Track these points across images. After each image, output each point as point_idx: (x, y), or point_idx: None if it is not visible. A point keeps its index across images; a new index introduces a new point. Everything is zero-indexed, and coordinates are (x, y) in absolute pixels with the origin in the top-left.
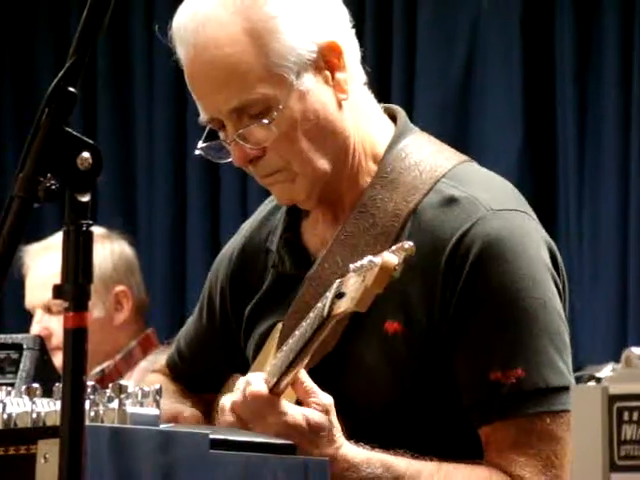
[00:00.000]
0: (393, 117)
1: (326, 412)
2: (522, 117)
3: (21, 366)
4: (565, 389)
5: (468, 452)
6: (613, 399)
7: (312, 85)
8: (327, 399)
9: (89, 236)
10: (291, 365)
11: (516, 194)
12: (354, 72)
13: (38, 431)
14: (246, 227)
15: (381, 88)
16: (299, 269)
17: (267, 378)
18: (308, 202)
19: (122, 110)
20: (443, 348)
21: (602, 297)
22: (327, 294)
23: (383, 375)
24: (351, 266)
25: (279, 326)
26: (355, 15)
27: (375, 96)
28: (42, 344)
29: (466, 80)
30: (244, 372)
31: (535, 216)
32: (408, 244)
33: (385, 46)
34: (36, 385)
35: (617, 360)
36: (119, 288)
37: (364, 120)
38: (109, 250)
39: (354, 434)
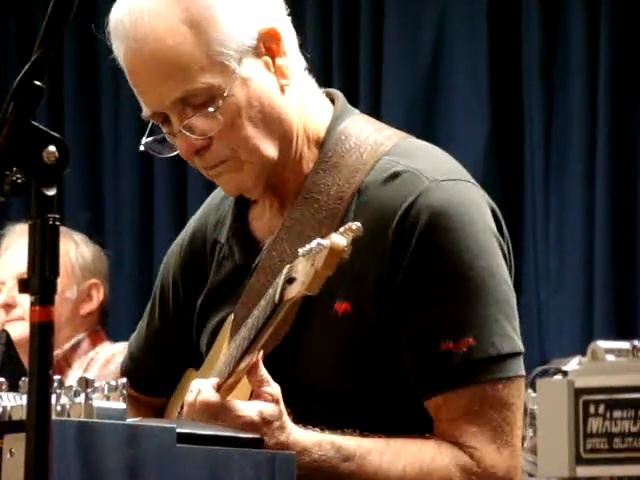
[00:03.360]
0: (333, 101)
1: (277, 402)
2: (489, 111)
3: None
4: (516, 355)
5: (420, 428)
6: (579, 392)
7: (254, 71)
8: (277, 388)
9: (55, 230)
10: (245, 353)
11: (457, 164)
12: (294, 58)
13: (4, 426)
14: (194, 220)
15: (348, 82)
16: (248, 258)
17: (217, 381)
18: (255, 190)
19: (88, 103)
20: (393, 323)
21: (568, 291)
22: (277, 280)
23: (335, 356)
24: (300, 250)
25: (230, 318)
26: (322, 11)
27: (342, 91)
28: (8, 338)
29: (433, 74)
30: (199, 367)
31: (477, 184)
32: (355, 224)
33: (352, 41)
34: (1, 380)
35: (583, 354)
36: (94, 280)
37: (305, 105)
38: (92, 249)
39: (308, 417)
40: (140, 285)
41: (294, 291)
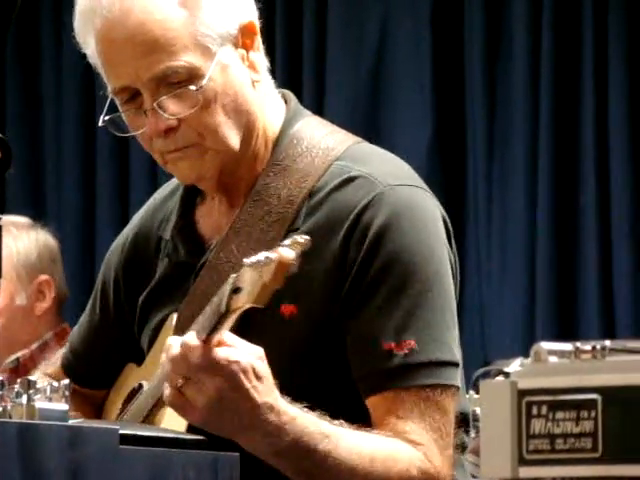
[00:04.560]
0: (285, 102)
1: (263, 360)
2: (432, 112)
3: None
4: (454, 365)
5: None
6: (522, 394)
7: (232, 60)
8: (259, 348)
9: None
10: (209, 336)
11: (411, 170)
12: (263, 53)
13: None
14: (137, 217)
15: (292, 84)
16: (193, 257)
17: (200, 335)
18: (210, 181)
19: (30, 102)
20: (341, 323)
21: (510, 292)
22: (223, 288)
23: (282, 359)
24: (246, 261)
25: (174, 316)
26: (266, 10)
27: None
28: None
29: (376, 75)
30: (140, 363)
31: (430, 191)
32: (303, 238)
33: (296, 41)
34: None
35: (525, 355)
36: (42, 277)
37: (266, 104)
38: (34, 239)
39: None
40: (82, 282)
41: (240, 302)
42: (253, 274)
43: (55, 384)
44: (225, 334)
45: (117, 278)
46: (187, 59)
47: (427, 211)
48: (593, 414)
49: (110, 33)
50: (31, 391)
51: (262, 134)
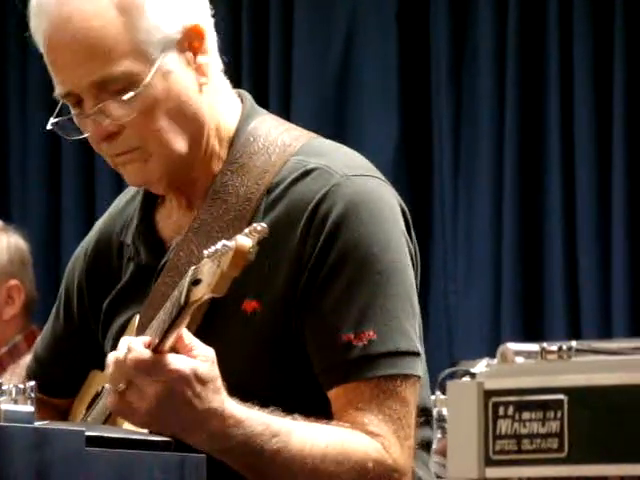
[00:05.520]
0: (242, 102)
1: (212, 363)
2: (398, 112)
3: None
4: (414, 354)
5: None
6: (489, 394)
7: (176, 65)
8: (210, 350)
9: None
10: (164, 337)
11: (367, 162)
12: (213, 58)
13: None
14: (99, 223)
15: (258, 85)
16: (155, 259)
17: (149, 340)
18: (159, 185)
19: None
20: (298, 316)
21: (476, 293)
22: (182, 281)
23: (245, 354)
24: (205, 252)
25: (136, 318)
26: (232, 10)
27: (252, 93)
28: None
29: (343, 75)
30: (104, 369)
31: (387, 181)
32: (261, 226)
33: (262, 41)
34: None
35: (492, 356)
36: (12, 282)
37: (219, 105)
38: (5, 243)
39: None
40: (47, 284)
41: (199, 293)
42: (211, 265)
43: (21, 386)
44: (184, 332)
45: (80, 285)
46: (125, 66)
47: (384, 201)
48: (559, 414)
49: (52, 38)
50: None
51: (215, 134)
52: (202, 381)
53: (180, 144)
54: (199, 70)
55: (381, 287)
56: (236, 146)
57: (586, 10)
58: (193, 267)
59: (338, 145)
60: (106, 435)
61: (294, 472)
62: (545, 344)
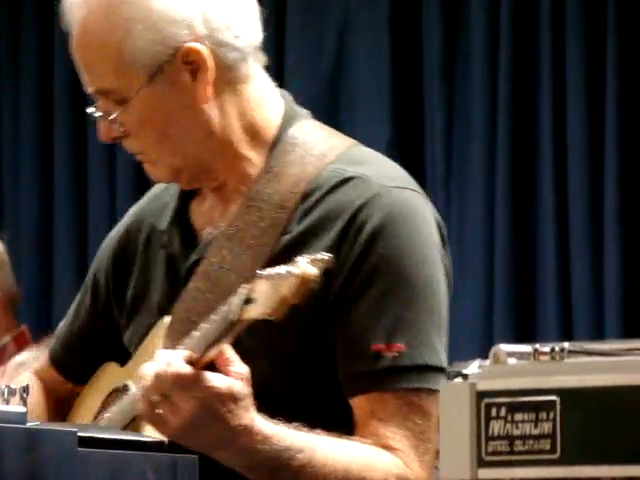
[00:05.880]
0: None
1: (246, 380)
2: (391, 112)
3: None
4: (441, 370)
5: (344, 429)
6: (481, 395)
7: (166, 87)
8: (245, 368)
9: None
10: (205, 353)
11: (406, 174)
12: (232, 70)
13: None
14: (133, 209)
15: None
16: (186, 250)
17: (188, 354)
18: (179, 182)
19: None
20: (330, 322)
21: (469, 295)
22: (232, 298)
23: (269, 356)
24: (261, 272)
25: (164, 319)
26: None
27: None
28: None
29: (335, 77)
30: (122, 362)
31: (425, 195)
32: (328, 256)
33: None
34: None
35: (484, 357)
36: None
37: (247, 113)
38: None
39: None
40: (39, 284)
41: (253, 313)
42: (269, 287)
43: (13, 386)
44: (226, 347)
45: (108, 271)
46: (113, 83)
47: (421, 215)
48: (552, 415)
49: (71, 42)
50: None
51: (244, 138)
52: (235, 399)
53: (173, 158)
54: (198, 90)
55: (414, 301)
56: (274, 153)
57: (579, 12)
58: (246, 285)
59: (377, 154)
60: (98, 436)
61: None
62: (538, 345)
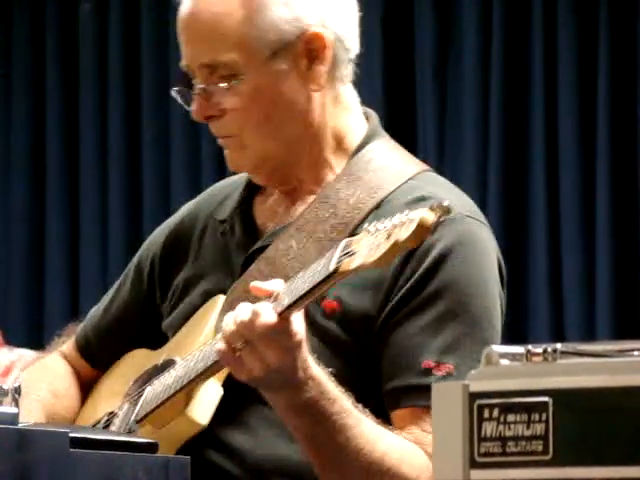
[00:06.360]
0: (367, 119)
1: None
2: (382, 113)
3: None
4: None
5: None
6: (474, 396)
7: (284, 68)
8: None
9: None
10: (296, 303)
11: (477, 208)
12: (339, 67)
13: None
14: (189, 204)
15: None
16: (248, 240)
17: (277, 304)
18: (256, 175)
19: None
20: (379, 331)
21: None
22: (331, 252)
23: (312, 352)
24: (368, 227)
25: (219, 297)
26: None
27: None
28: None
29: None
30: (153, 347)
31: (492, 232)
32: (446, 203)
33: None
34: None
35: None
36: None
37: (338, 116)
38: None
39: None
40: (30, 291)
41: (355, 263)
42: (374, 239)
43: (5, 387)
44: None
45: (154, 259)
46: (233, 56)
47: (488, 250)
48: (544, 417)
49: (183, 12)
50: None
51: (326, 142)
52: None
53: (273, 145)
54: (312, 77)
55: (470, 327)
56: (355, 160)
57: (570, 9)
58: (345, 239)
59: (452, 185)
60: (91, 436)
61: (350, 457)
62: (530, 346)
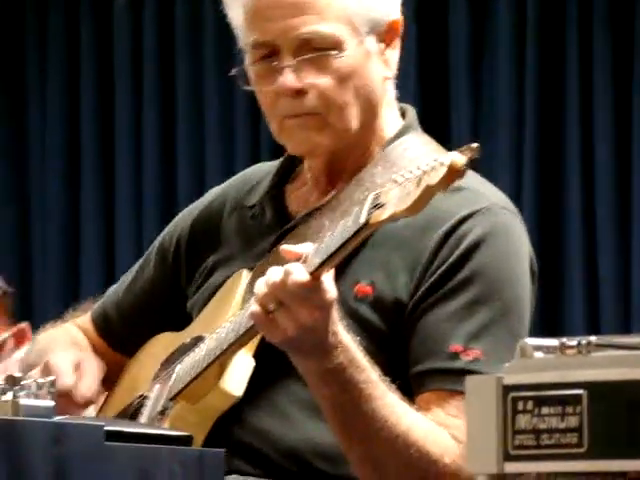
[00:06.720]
0: (403, 114)
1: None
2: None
3: None
4: None
5: None
6: (508, 389)
7: (373, 49)
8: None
9: None
10: (327, 261)
11: (510, 201)
12: (397, 57)
13: None
14: (216, 189)
15: None
16: (279, 222)
17: (309, 264)
18: (316, 160)
19: (15, 94)
20: (409, 316)
21: None
22: (357, 209)
23: None
24: (395, 178)
25: (243, 272)
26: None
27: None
28: None
29: None
30: (177, 328)
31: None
32: (475, 144)
33: None
34: None
35: None
36: None
37: (385, 105)
38: None
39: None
40: (66, 279)
41: (386, 214)
42: (403, 189)
43: (41, 381)
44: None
45: (179, 242)
46: (335, 29)
47: (522, 242)
48: (578, 409)
49: None
50: (16, 387)
51: (377, 131)
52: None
53: (355, 124)
54: (386, 63)
55: (500, 315)
56: (391, 147)
57: (606, 4)
58: (373, 193)
59: (485, 180)
60: (125, 430)
61: (374, 429)
62: (564, 339)
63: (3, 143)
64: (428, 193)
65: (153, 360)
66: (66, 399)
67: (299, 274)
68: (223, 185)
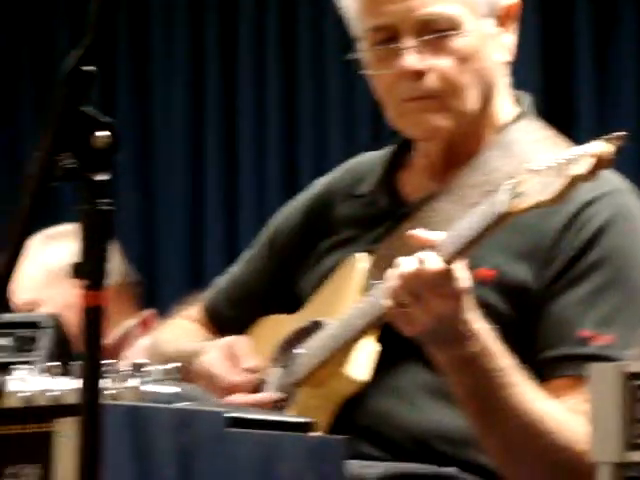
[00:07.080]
0: (517, 100)
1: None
2: (542, 100)
3: (40, 344)
4: None
5: None
6: (631, 377)
7: (492, 32)
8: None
9: (107, 215)
10: (462, 250)
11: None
12: (513, 41)
13: (55, 410)
14: (323, 179)
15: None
16: (394, 206)
17: (443, 252)
18: (440, 143)
19: (141, 89)
20: (536, 301)
21: None
22: (490, 198)
23: None
24: (530, 167)
25: (355, 256)
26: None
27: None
28: (58, 322)
29: None
30: (288, 311)
31: None
32: (622, 132)
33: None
34: (56, 363)
35: None
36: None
37: (501, 90)
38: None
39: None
40: (189, 268)
41: (526, 203)
42: (543, 178)
43: (167, 367)
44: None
45: (292, 230)
46: (457, 10)
47: None
48: None
49: None
50: (141, 374)
51: (491, 115)
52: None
53: (472, 107)
54: (502, 47)
55: (628, 299)
56: (507, 132)
57: None
58: (508, 181)
59: None
60: (247, 416)
61: (507, 416)
62: None
63: (129, 132)
64: (574, 183)
65: (265, 343)
66: (238, 389)
67: (434, 262)
68: (331, 175)
